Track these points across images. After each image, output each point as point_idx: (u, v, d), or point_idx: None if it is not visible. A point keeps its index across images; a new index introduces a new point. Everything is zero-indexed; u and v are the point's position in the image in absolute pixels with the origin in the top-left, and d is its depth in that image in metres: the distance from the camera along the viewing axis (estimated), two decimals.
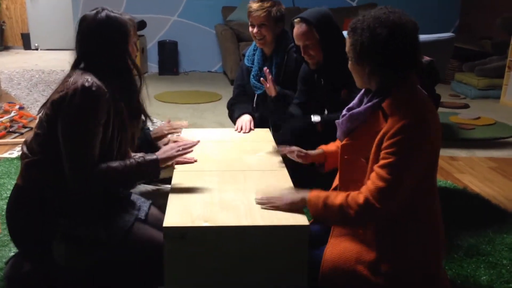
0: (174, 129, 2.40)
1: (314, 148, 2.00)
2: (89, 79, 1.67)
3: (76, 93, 1.65)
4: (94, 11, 1.78)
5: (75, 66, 1.79)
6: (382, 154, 1.49)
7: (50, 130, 1.72)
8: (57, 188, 1.73)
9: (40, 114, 1.79)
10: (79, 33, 1.79)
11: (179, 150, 1.89)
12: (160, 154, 1.86)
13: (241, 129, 2.68)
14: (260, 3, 2.73)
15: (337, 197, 1.55)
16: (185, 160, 2.10)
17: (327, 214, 1.59)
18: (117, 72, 1.78)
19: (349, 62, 1.60)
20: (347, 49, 1.59)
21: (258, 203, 1.71)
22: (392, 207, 1.51)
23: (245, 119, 2.72)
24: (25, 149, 1.80)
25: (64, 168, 1.69)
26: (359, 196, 1.51)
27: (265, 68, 2.60)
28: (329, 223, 1.68)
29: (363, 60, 1.54)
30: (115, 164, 1.75)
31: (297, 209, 1.66)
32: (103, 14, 1.76)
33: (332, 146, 1.94)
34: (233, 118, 2.87)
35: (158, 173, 1.88)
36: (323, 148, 1.97)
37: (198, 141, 2.02)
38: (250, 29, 2.79)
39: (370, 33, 1.49)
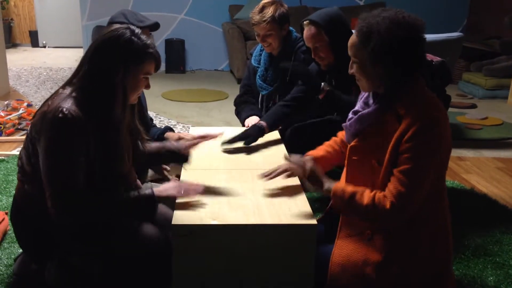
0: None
1: (305, 145, 2.01)
2: (64, 108, 1.53)
3: (50, 124, 1.54)
4: (118, 26, 1.63)
5: (73, 76, 1.67)
6: (401, 158, 1.50)
7: (34, 151, 1.62)
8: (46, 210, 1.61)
9: (28, 130, 1.67)
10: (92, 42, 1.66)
11: (180, 192, 1.71)
12: (159, 191, 1.71)
13: None
14: (261, 14, 2.65)
15: (363, 197, 1.55)
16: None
17: (351, 210, 1.60)
18: (104, 101, 1.61)
19: (356, 66, 1.57)
20: (353, 53, 1.56)
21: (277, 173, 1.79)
22: (414, 211, 1.52)
23: (253, 120, 2.73)
24: (19, 161, 1.72)
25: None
26: (385, 201, 1.51)
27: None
28: (349, 215, 1.68)
29: (378, 63, 1.51)
30: (103, 198, 1.63)
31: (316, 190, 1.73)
32: (123, 31, 1.60)
33: (320, 151, 1.90)
34: (241, 118, 2.88)
35: (154, 211, 1.82)
36: (312, 154, 1.89)
37: (203, 187, 1.75)
38: (257, 37, 2.77)
39: (388, 35, 1.46)
